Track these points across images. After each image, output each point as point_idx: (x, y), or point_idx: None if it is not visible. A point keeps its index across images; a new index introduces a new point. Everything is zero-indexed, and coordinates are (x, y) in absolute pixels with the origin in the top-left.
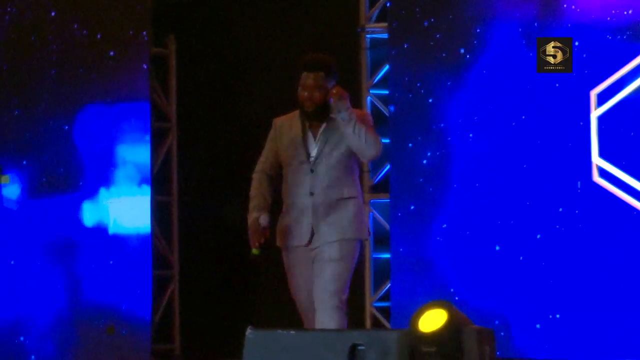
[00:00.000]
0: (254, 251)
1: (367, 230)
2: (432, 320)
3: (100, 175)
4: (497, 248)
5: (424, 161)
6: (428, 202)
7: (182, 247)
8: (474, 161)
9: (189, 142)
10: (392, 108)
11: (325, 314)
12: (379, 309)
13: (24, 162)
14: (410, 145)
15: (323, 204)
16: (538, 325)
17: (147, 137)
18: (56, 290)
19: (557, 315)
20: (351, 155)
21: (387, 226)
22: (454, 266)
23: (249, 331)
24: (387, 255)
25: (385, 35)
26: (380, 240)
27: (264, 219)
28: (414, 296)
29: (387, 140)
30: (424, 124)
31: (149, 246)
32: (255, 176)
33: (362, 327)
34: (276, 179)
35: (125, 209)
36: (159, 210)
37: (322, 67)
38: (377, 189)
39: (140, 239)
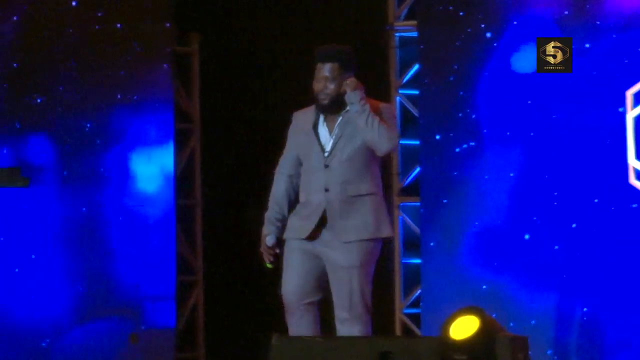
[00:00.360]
0: (267, 265)
1: (390, 229)
2: (464, 327)
3: (121, 178)
4: (527, 237)
5: (457, 149)
6: (460, 195)
7: (206, 252)
8: (507, 153)
9: (213, 144)
10: (421, 100)
11: (347, 324)
12: (409, 315)
13: (44, 157)
14: (438, 137)
15: (339, 200)
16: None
17: (170, 138)
18: (77, 294)
19: (585, 309)
20: (369, 150)
21: (417, 230)
22: (486, 259)
23: (275, 338)
24: (418, 261)
25: (414, 34)
26: (411, 244)
27: (270, 240)
28: (445, 301)
29: (417, 142)
30: (455, 116)
31: (173, 251)
32: (275, 177)
33: (391, 334)
34: (296, 176)
35: (147, 212)
36: (182, 214)
37: (337, 58)
38: (407, 191)
39: (164, 244)
